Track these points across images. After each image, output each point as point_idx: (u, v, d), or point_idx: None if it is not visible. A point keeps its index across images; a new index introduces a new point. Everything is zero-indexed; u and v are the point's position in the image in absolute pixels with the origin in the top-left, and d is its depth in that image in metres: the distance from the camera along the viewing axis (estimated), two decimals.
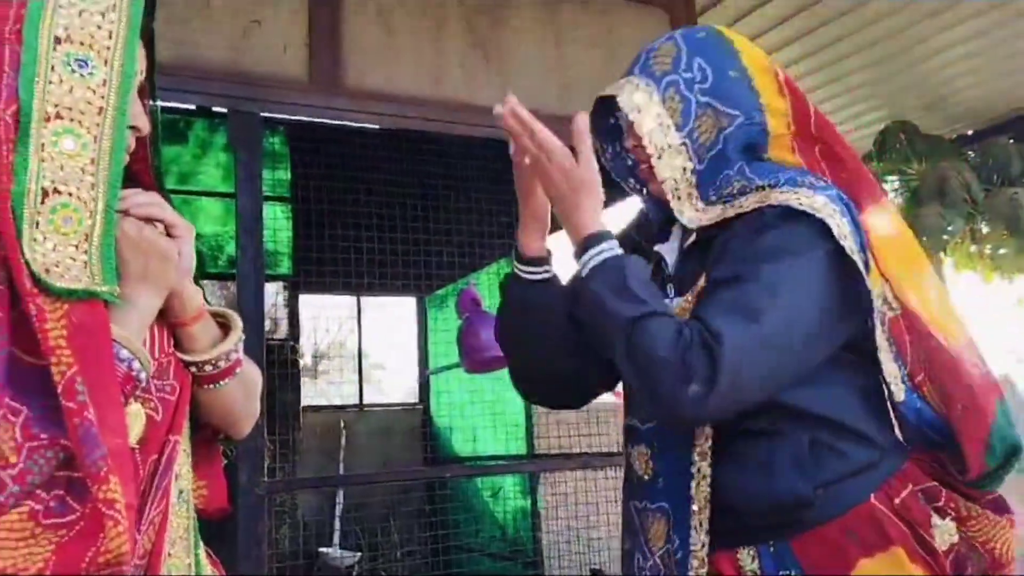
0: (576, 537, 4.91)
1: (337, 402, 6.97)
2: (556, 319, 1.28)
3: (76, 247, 0.85)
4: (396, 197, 4.15)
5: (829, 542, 1.10)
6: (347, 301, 7.04)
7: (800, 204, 1.08)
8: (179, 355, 1.02)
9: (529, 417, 5.26)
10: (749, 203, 1.13)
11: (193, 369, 1.03)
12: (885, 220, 1.21)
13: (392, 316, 7.23)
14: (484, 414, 5.46)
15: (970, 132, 5.54)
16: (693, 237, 1.23)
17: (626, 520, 1.29)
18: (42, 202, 0.84)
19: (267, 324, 5.57)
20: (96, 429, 0.79)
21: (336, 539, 5.66)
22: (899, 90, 4.94)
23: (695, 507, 1.14)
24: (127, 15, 0.91)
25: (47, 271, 0.82)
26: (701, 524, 1.14)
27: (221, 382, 1.06)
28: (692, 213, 1.18)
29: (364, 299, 7.06)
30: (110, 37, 0.90)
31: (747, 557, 1.14)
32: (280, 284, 6.11)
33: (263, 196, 2.82)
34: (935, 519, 1.12)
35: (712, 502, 1.13)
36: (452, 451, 6.23)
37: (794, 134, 1.22)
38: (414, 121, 3.02)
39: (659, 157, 1.17)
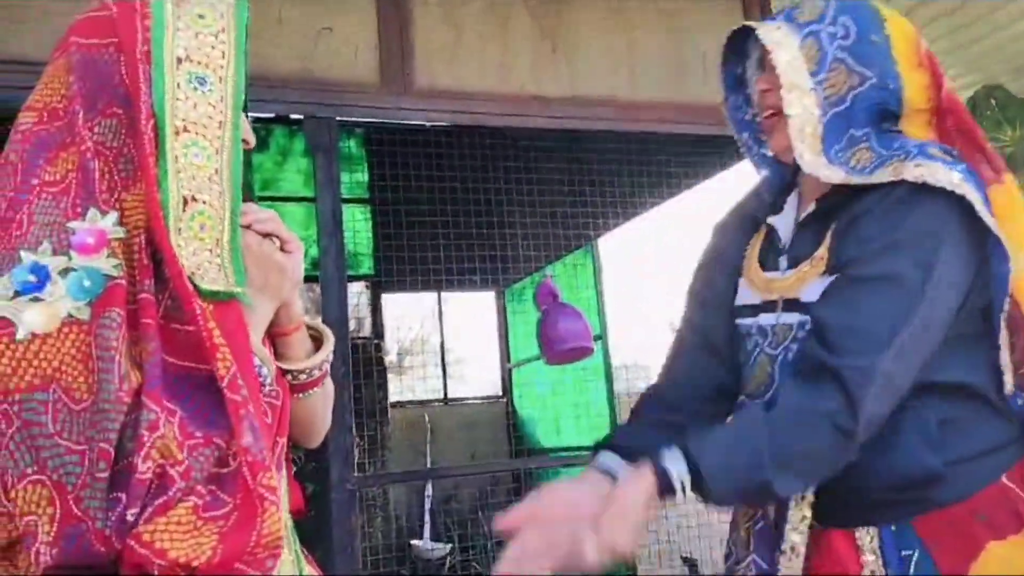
0: (664, 525, 4.88)
1: (422, 397, 7.08)
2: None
3: (211, 251, 0.91)
4: (471, 193, 4.19)
5: (956, 523, 1.06)
6: (428, 297, 7.14)
7: (938, 180, 1.04)
8: (277, 364, 1.07)
9: (612, 407, 5.25)
10: (879, 176, 1.09)
11: (288, 378, 1.08)
12: (1006, 199, 1.16)
13: (473, 310, 7.30)
14: (567, 405, 5.47)
15: None
16: (812, 208, 1.20)
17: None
18: (183, 210, 0.90)
19: (351, 324, 5.70)
20: (257, 422, 0.85)
21: (427, 532, 5.76)
22: (984, 55, 4.71)
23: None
24: (235, 37, 0.98)
25: (192, 274, 0.88)
26: (803, 497, 1.12)
27: (310, 391, 1.11)
28: (811, 157, 1.14)
29: (444, 295, 7.14)
30: (223, 57, 0.96)
31: (866, 536, 1.11)
32: (362, 284, 6.25)
33: (342, 198, 2.89)
34: None
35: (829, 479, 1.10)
36: (537, 442, 6.26)
37: (933, 109, 1.19)
38: (484, 117, 3.04)
39: (788, 91, 1.15)
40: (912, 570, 1.07)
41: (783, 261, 1.21)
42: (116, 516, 0.79)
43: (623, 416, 5.23)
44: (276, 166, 5.28)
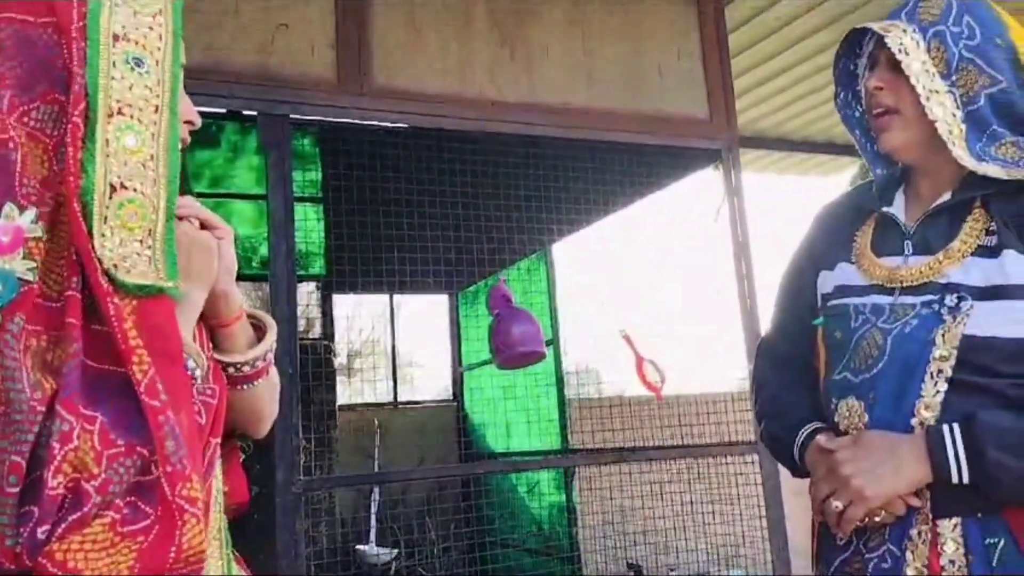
0: (613, 531, 4.90)
1: (372, 400, 7.02)
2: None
3: (140, 242, 0.86)
4: (426, 195, 4.17)
5: None
6: (380, 299, 7.08)
7: None
8: (217, 356, 1.03)
9: (563, 412, 5.27)
10: None
11: (230, 370, 1.04)
12: None
13: (425, 313, 7.26)
14: (518, 410, 5.47)
15: None
16: (947, 198, 1.21)
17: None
18: (109, 198, 0.85)
19: (301, 324, 5.63)
20: (179, 428, 0.80)
21: (373, 536, 5.70)
22: None
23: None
24: (171, 18, 0.93)
25: (115, 266, 0.83)
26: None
27: (254, 383, 1.07)
28: (966, 156, 1.16)
29: (397, 297, 7.10)
30: (160, 40, 0.92)
31: (948, 525, 1.11)
32: (313, 284, 6.17)
33: (294, 197, 2.85)
34: None
35: None
36: (487, 447, 6.25)
37: None
38: (442, 119, 3.03)
39: (927, 99, 1.16)
40: (996, 560, 1.07)
41: (908, 247, 1.23)
42: (27, 532, 0.74)
43: (573, 421, 5.26)
44: (227, 163, 5.18)
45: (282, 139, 2.76)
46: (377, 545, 5.65)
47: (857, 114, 1.35)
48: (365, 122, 3.04)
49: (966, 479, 1.06)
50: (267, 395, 1.11)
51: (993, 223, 1.16)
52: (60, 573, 0.73)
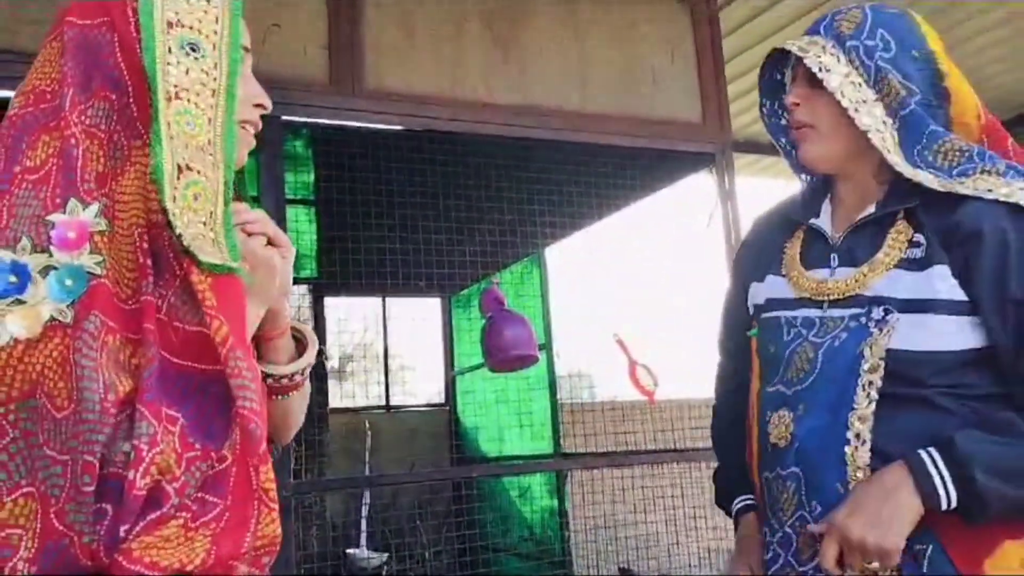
0: (604, 536, 4.89)
1: (363, 404, 6.99)
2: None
3: (204, 224, 0.87)
4: (419, 197, 4.16)
5: None
6: (372, 303, 7.06)
7: None
8: (259, 367, 1.04)
9: (555, 416, 5.25)
10: (977, 185, 1.12)
11: (270, 381, 1.05)
12: None
13: (418, 317, 7.24)
14: (510, 414, 5.46)
15: (1003, 120, 5.43)
16: (871, 210, 1.22)
17: (756, 494, 1.30)
18: (178, 178, 0.85)
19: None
20: (259, 397, 0.81)
21: (363, 540, 5.68)
22: None
23: (850, 471, 1.12)
24: (229, 1, 0.94)
25: (189, 245, 0.84)
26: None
27: (289, 394, 1.08)
28: (903, 163, 1.17)
29: (389, 300, 7.07)
30: (216, 22, 0.92)
31: None
32: (305, 287, 6.15)
33: (286, 199, 2.83)
34: None
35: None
36: (479, 451, 6.23)
37: (983, 127, 1.23)
38: (435, 121, 3.01)
39: (856, 110, 1.17)
40: (926, 565, 1.08)
41: (834, 259, 1.24)
42: (105, 530, 0.75)
43: (566, 425, 5.24)
44: None
45: (274, 140, 2.74)
46: (368, 549, 5.63)
47: (783, 123, 1.38)
48: (357, 124, 3.03)
49: (954, 505, 1.05)
50: (297, 407, 1.12)
51: (918, 235, 1.17)
52: (139, 568, 0.74)
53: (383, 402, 7.02)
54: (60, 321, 0.79)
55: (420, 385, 7.72)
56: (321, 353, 6.20)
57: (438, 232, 4.24)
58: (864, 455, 1.11)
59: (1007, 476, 1.04)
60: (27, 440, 0.77)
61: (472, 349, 5.99)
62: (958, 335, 1.12)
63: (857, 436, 1.12)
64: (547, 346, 5.17)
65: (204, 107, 0.89)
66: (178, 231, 0.83)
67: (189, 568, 0.76)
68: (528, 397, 5.34)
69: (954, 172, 1.16)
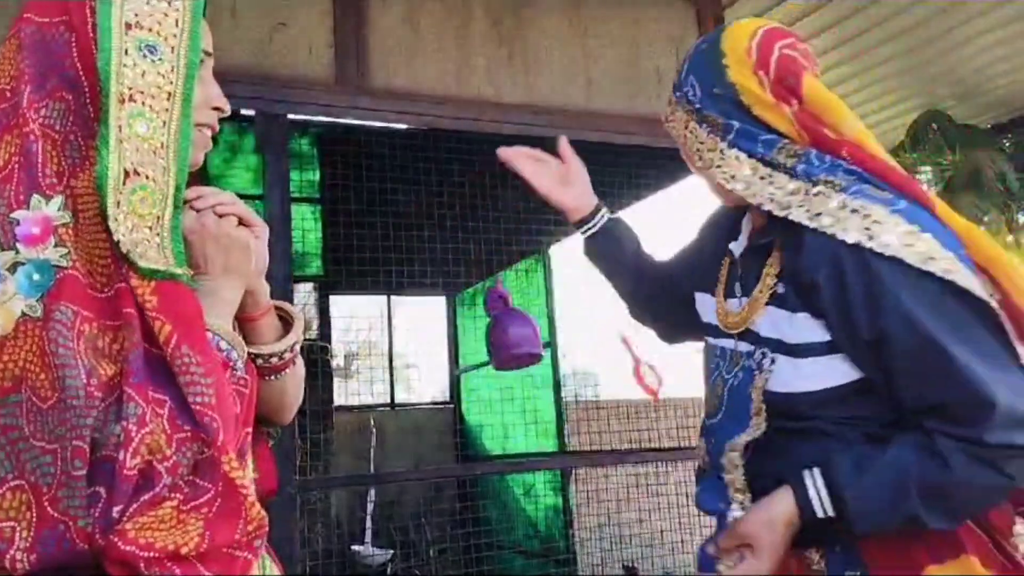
0: (609, 534, 4.90)
1: (368, 402, 7.01)
2: (626, 250, 1.54)
3: (150, 229, 0.88)
4: (424, 196, 4.17)
5: (897, 546, 1.09)
6: (377, 301, 7.07)
7: (906, 257, 1.04)
8: (249, 349, 1.05)
9: (560, 414, 5.26)
10: (816, 208, 1.10)
11: (259, 361, 1.06)
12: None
13: (422, 315, 7.25)
14: (515, 411, 5.47)
15: (1005, 121, 5.42)
16: (746, 244, 1.25)
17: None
18: (123, 183, 0.86)
19: None
20: (218, 391, 0.83)
21: (369, 537, 5.69)
22: (931, 79, 4.85)
23: (735, 506, 1.15)
24: (190, 6, 0.94)
25: (128, 252, 0.85)
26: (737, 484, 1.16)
27: (282, 373, 1.09)
28: (783, 196, 1.15)
29: (394, 298, 7.09)
30: (176, 25, 0.92)
31: (814, 556, 1.14)
32: (311, 285, 6.16)
33: (292, 197, 2.84)
34: (1019, 526, 1.10)
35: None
36: (484, 449, 6.24)
37: (800, 133, 1.17)
38: (440, 120, 3.02)
39: (719, 164, 1.19)
40: None
41: (738, 289, 1.26)
42: (99, 512, 0.77)
43: (571, 423, 5.25)
44: (224, 163, 5.17)
45: (279, 138, 2.75)
46: (373, 546, 5.64)
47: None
48: (363, 122, 3.04)
49: (830, 514, 1.08)
50: (292, 386, 1.13)
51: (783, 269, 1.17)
52: (134, 548, 0.75)
53: (388, 400, 7.04)
54: (30, 316, 0.81)
55: (425, 383, 7.74)
56: (325, 351, 6.19)
57: (443, 230, 4.25)
58: (741, 482, 1.16)
59: (878, 496, 1.05)
60: (8, 435, 0.78)
61: (477, 347, 5.99)
62: (830, 374, 1.11)
63: (740, 468, 1.16)
64: (551, 344, 5.17)
65: (159, 110, 0.90)
66: (116, 238, 0.84)
67: (183, 550, 0.77)
68: (533, 395, 5.35)
69: (798, 170, 1.14)
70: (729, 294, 1.28)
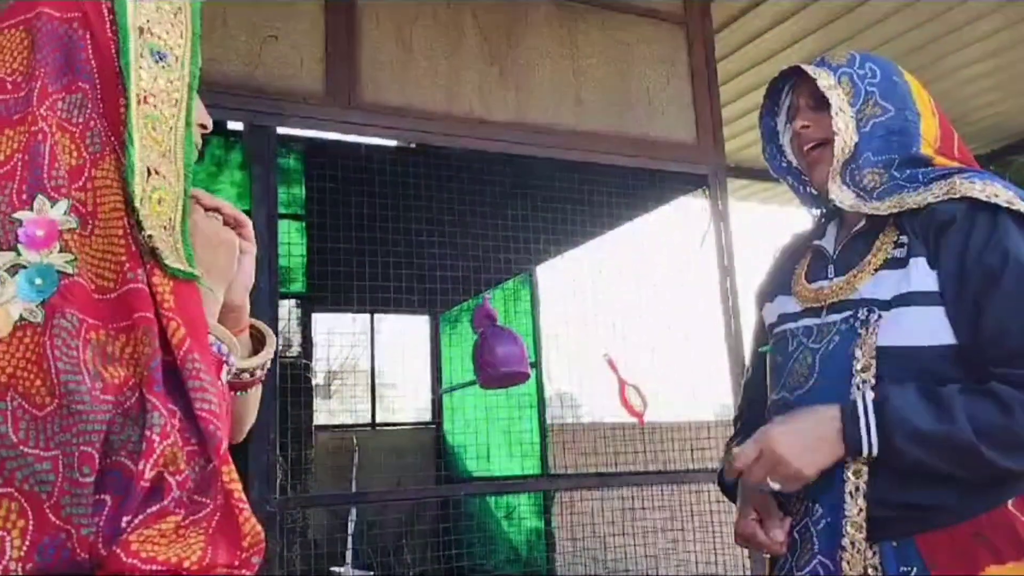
0: (592, 558, 4.85)
1: (350, 421, 6.94)
2: None
3: (164, 228, 0.87)
4: (412, 211, 4.15)
5: (957, 544, 1.10)
6: (361, 319, 7.02)
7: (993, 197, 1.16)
8: None
9: (544, 436, 5.22)
10: (928, 196, 1.20)
11: (229, 377, 1.04)
12: None
13: (406, 334, 7.21)
14: (498, 433, 5.43)
15: (989, 151, 5.50)
16: (862, 224, 1.31)
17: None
18: (147, 180, 0.86)
19: (280, 341, 5.55)
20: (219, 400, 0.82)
21: (348, 558, 5.61)
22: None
23: (848, 471, 1.15)
24: (190, 18, 0.96)
25: (156, 248, 0.84)
26: (857, 489, 1.15)
27: (247, 391, 1.08)
28: (832, 182, 1.29)
29: (378, 316, 7.04)
30: (180, 36, 0.95)
31: (868, 551, 1.14)
32: (293, 301, 6.11)
33: (278, 212, 2.82)
34: None
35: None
36: (466, 471, 6.18)
37: (938, 150, 1.31)
38: (429, 136, 3.01)
39: (836, 114, 1.29)
40: None
41: (831, 270, 1.32)
42: (105, 521, 0.74)
43: (554, 445, 5.21)
44: (210, 177, 5.13)
45: (268, 152, 2.73)
46: (353, 567, 5.56)
47: (784, 164, 1.48)
48: (352, 137, 3.02)
49: (875, 454, 1.12)
50: (253, 403, 1.13)
51: (903, 236, 1.23)
52: (136, 562, 0.73)
53: (370, 419, 6.97)
54: (30, 321, 0.78)
55: (407, 403, 7.68)
56: (307, 368, 6.13)
57: (430, 247, 4.23)
58: (862, 469, 1.15)
59: (924, 442, 1.09)
60: None
61: (460, 367, 5.96)
62: (934, 330, 1.16)
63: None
64: (536, 365, 5.15)
65: (168, 115, 0.91)
66: (148, 232, 0.83)
67: (186, 565, 0.75)
68: (516, 416, 5.31)
69: (873, 195, 1.26)
70: (816, 278, 1.34)
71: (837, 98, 1.30)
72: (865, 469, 1.14)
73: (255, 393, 1.11)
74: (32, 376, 0.76)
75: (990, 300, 1.12)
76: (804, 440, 1.14)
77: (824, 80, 1.31)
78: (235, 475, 0.81)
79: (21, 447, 0.75)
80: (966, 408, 1.08)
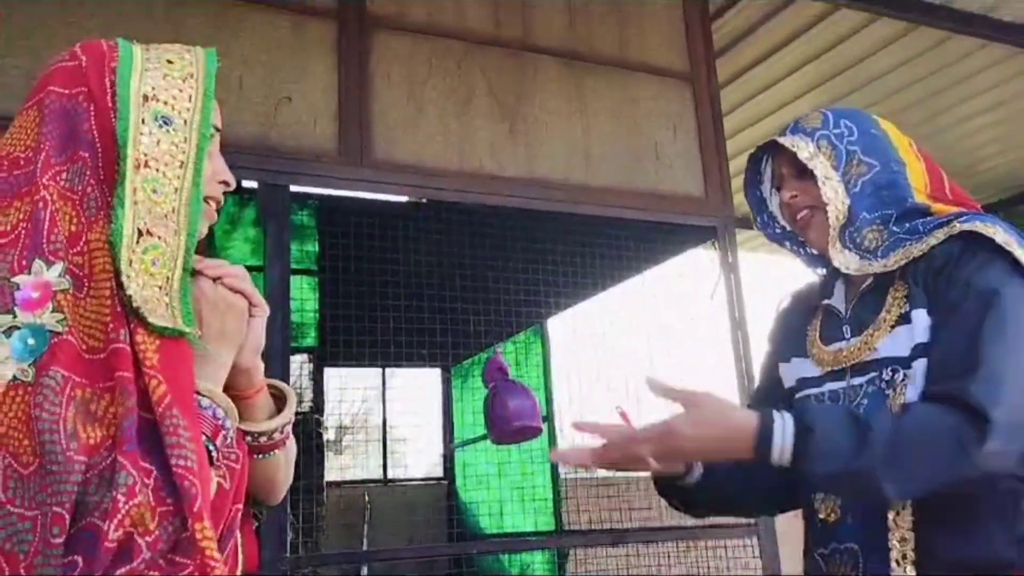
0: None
1: (361, 476, 6.88)
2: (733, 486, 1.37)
3: (160, 288, 0.90)
4: (423, 266, 4.18)
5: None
6: (372, 373, 7.01)
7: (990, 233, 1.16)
8: (238, 426, 1.04)
9: (557, 491, 5.16)
10: (931, 240, 1.21)
11: (249, 439, 1.05)
12: None
13: (417, 388, 7.19)
14: (510, 488, 5.36)
15: (995, 201, 5.51)
16: (869, 282, 1.30)
17: (810, 573, 1.29)
18: (136, 242, 0.89)
19: None
20: (198, 452, 0.82)
21: None
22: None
23: (894, 538, 1.14)
24: (202, 83, 1.00)
25: (139, 307, 0.86)
26: (905, 556, 1.13)
27: (272, 453, 1.08)
28: (832, 247, 1.29)
29: (389, 370, 7.03)
30: (189, 100, 0.98)
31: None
32: (305, 356, 6.12)
33: (291, 268, 2.84)
34: None
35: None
36: (478, 527, 6.10)
37: (931, 196, 1.31)
38: (441, 192, 3.05)
39: (823, 183, 1.29)
40: None
41: (847, 331, 1.31)
42: None
43: (567, 500, 5.14)
44: (224, 235, 5.20)
45: (281, 209, 2.77)
46: None
47: (778, 231, 1.48)
48: (365, 194, 3.06)
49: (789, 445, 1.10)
50: (283, 465, 1.12)
51: (909, 287, 1.23)
52: None
53: (381, 475, 6.91)
54: (22, 380, 0.81)
55: (418, 458, 7.62)
56: (319, 423, 6.10)
57: (441, 301, 4.25)
58: (907, 516, 1.14)
59: (837, 459, 1.07)
60: None
61: (472, 421, 5.92)
62: None
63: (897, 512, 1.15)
64: (549, 419, 5.11)
65: (171, 177, 0.94)
66: (128, 292, 0.86)
67: None
68: (529, 471, 5.26)
69: (878, 253, 1.26)
70: (832, 340, 1.32)
71: (821, 166, 1.30)
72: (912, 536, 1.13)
73: (283, 455, 1.10)
74: (21, 436, 0.78)
75: (948, 324, 1.14)
76: (708, 447, 1.14)
77: (804, 151, 1.31)
78: (209, 532, 0.81)
79: (8, 506, 0.77)
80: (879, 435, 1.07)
